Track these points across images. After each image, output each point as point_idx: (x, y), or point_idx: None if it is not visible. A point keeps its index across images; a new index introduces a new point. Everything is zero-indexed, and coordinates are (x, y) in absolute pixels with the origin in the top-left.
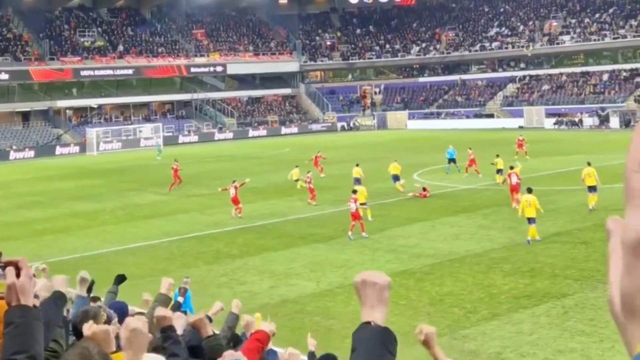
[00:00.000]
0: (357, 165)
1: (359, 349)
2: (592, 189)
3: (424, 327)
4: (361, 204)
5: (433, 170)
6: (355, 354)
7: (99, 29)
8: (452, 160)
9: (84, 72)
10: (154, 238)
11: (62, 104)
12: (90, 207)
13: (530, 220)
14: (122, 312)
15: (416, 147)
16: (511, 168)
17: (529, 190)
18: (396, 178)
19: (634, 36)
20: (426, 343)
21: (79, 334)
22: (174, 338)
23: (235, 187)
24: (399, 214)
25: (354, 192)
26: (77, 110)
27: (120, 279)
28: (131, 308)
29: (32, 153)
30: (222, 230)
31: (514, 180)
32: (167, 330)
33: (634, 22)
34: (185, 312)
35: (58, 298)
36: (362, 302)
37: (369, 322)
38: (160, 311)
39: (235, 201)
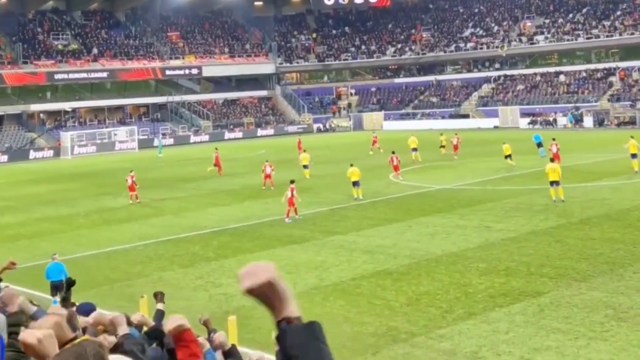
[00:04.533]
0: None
1: (295, 356)
2: (555, 183)
3: None
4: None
5: (409, 170)
6: None
7: (73, 32)
8: (539, 144)
9: (57, 75)
10: (129, 242)
11: (35, 107)
12: (65, 212)
13: (555, 183)
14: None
15: (392, 148)
16: (553, 139)
17: (552, 160)
18: (356, 184)
19: (607, 36)
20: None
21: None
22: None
23: (132, 177)
24: (374, 215)
25: (292, 181)
26: (51, 114)
27: (69, 283)
28: (103, 311)
29: (5, 157)
30: (197, 232)
31: (554, 149)
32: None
33: (606, 23)
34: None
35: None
36: (267, 305)
37: (288, 320)
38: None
39: (132, 189)
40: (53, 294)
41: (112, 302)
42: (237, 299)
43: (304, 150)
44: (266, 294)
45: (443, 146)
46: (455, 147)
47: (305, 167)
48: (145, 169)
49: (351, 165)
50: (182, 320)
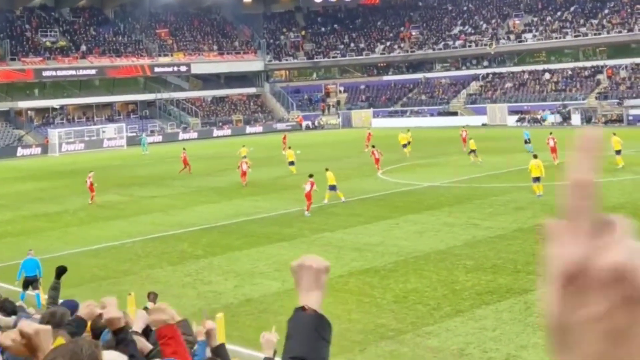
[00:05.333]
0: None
1: (293, 336)
2: (537, 179)
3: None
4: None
5: (398, 168)
6: (289, 341)
7: (61, 29)
8: (528, 140)
9: (46, 72)
10: (117, 239)
11: (23, 104)
12: (52, 209)
13: (537, 179)
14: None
15: (381, 145)
16: (550, 133)
17: (535, 156)
18: (333, 188)
19: (595, 34)
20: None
21: None
22: (129, 339)
23: (90, 178)
24: (362, 212)
25: (311, 175)
26: (39, 111)
27: (61, 270)
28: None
29: None
30: (186, 230)
31: (551, 143)
32: (119, 332)
33: (594, 21)
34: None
35: None
36: (298, 286)
37: (303, 308)
38: (110, 313)
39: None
40: (25, 288)
41: (99, 300)
42: (226, 297)
43: (289, 147)
44: (304, 277)
45: (409, 143)
46: (464, 140)
47: (291, 163)
48: (133, 167)
49: (327, 169)
50: (165, 314)
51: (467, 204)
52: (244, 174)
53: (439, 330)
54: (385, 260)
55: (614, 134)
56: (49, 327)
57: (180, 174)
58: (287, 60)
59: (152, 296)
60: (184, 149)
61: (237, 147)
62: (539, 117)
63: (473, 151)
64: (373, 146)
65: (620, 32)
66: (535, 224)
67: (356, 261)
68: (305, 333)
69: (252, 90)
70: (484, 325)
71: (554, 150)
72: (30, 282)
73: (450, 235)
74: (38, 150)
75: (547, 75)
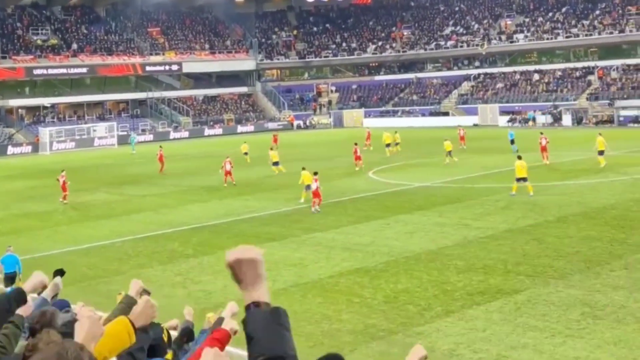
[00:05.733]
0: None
1: (256, 337)
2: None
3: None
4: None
5: (389, 168)
6: (255, 342)
7: (53, 27)
8: (512, 141)
9: (37, 70)
10: (108, 238)
11: (14, 103)
12: (42, 208)
13: (523, 179)
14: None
15: (372, 145)
16: (541, 133)
17: (519, 157)
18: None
19: (586, 35)
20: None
21: (33, 335)
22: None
23: (63, 177)
24: (353, 212)
25: (315, 173)
26: (30, 109)
27: (58, 273)
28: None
29: None
30: (176, 229)
31: (544, 142)
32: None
33: (585, 22)
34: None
35: (16, 296)
36: (240, 282)
37: (257, 304)
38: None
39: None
40: (7, 285)
41: (89, 299)
42: (216, 296)
43: (271, 149)
44: (246, 271)
45: (396, 144)
46: (462, 138)
47: (275, 164)
48: (124, 165)
49: (303, 168)
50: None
51: (458, 204)
52: (227, 173)
53: (429, 330)
54: (375, 261)
55: (600, 134)
56: (101, 315)
57: (162, 174)
58: (278, 59)
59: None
60: (160, 146)
61: (230, 145)
62: (527, 117)
63: (449, 152)
64: (355, 143)
65: (611, 33)
66: (526, 224)
67: (346, 261)
68: (269, 330)
69: (243, 89)
70: (474, 325)
71: (544, 149)
72: (11, 278)
73: (441, 235)
74: (29, 148)
75: (536, 76)
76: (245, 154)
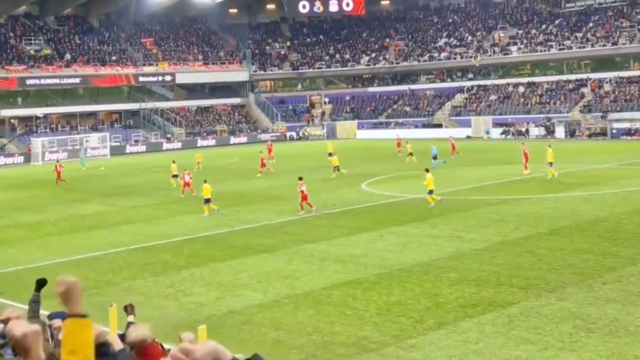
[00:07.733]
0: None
1: None
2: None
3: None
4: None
5: (382, 180)
6: None
7: (46, 37)
8: (435, 156)
9: (29, 81)
10: (99, 249)
11: (6, 113)
12: (34, 218)
13: (431, 192)
14: None
15: (365, 157)
16: (522, 144)
17: (427, 170)
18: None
19: (579, 47)
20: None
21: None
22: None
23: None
24: (345, 224)
25: (300, 178)
26: (22, 119)
27: (41, 283)
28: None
29: None
30: (168, 240)
31: (526, 151)
32: (102, 347)
33: (579, 34)
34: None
35: None
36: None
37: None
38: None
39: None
40: None
41: None
42: (208, 308)
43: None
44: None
45: (409, 154)
46: (453, 147)
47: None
48: (116, 176)
49: (205, 181)
50: (144, 331)
51: (451, 216)
52: (186, 184)
53: (422, 343)
54: (368, 272)
55: (549, 146)
56: (38, 328)
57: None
58: (272, 70)
59: (130, 308)
60: (57, 161)
61: (220, 158)
62: (523, 129)
63: (410, 154)
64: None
65: (604, 45)
66: (519, 237)
67: (339, 273)
68: None
69: (236, 100)
70: (466, 338)
71: (526, 158)
72: None
73: (434, 247)
74: (20, 159)
75: (520, 89)
76: (198, 163)
